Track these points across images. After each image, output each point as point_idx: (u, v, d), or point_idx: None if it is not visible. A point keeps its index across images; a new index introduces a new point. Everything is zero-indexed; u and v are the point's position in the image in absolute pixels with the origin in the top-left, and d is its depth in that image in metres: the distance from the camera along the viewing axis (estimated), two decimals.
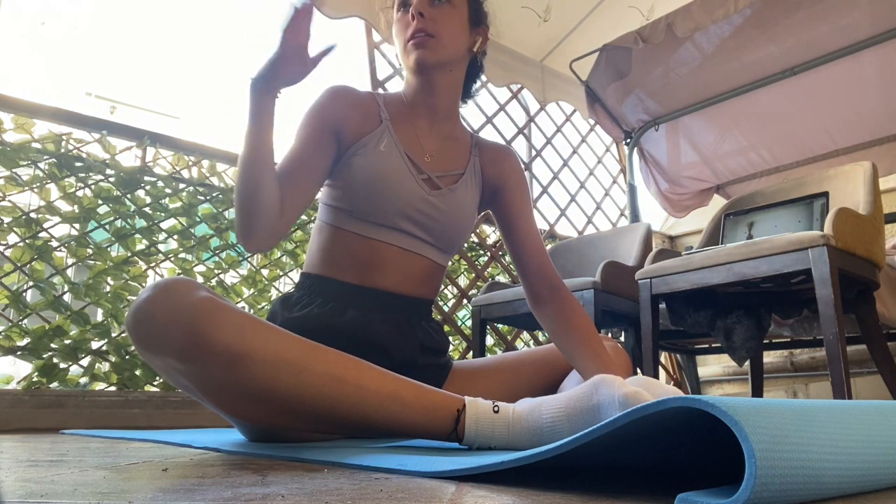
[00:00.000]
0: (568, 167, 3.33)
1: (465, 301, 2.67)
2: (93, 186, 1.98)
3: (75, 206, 1.93)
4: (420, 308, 1.18)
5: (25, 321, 1.81)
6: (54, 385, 1.78)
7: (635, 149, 3.27)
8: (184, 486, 0.53)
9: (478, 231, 2.89)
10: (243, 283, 2.24)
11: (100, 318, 1.91)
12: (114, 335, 1.89)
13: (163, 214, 2.10)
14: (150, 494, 0.49)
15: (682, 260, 1.65)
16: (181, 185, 2.16)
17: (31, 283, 1.84)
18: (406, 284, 1.15)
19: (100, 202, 1.98)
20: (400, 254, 1.14)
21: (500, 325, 2.70)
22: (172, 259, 2.10)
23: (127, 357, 1.89)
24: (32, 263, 1.84)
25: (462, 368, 1.23)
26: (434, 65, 1.14)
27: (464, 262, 2.85)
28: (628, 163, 3.32)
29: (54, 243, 1.88)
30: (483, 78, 1.33)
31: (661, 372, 3.28)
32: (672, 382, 3.32)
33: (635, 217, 3.27)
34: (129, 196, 2.03)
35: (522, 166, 1.33)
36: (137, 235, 2.03)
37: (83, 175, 1.97)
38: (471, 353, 2.36)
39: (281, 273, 2.34)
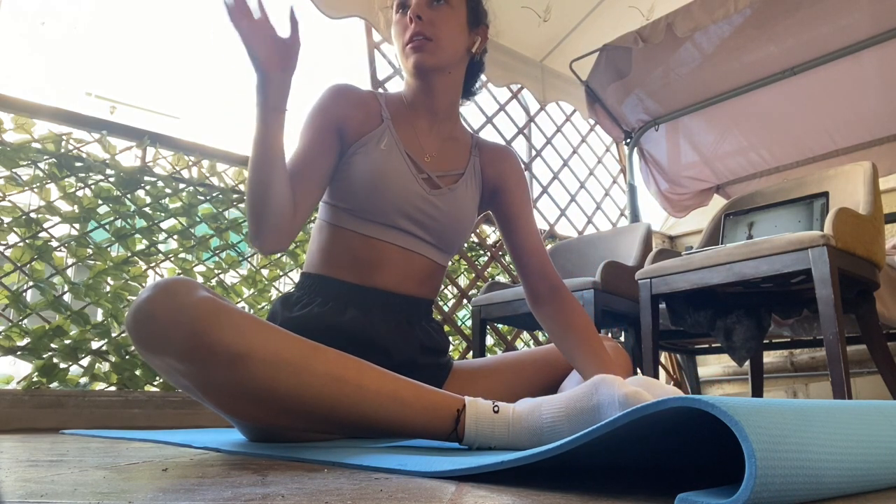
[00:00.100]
0: (568, 167, 3.33)
1: (465, 301, 2.67)
2: (93, 186, 1.98)
3: (75, 206, 1.93)
4: (420, 308, 1.18)
5: (25, 321, 1.81)
6: (54, 385, 1.78)
7: (635, 149, 3.27)
8: (184, 486, 0.53)
9: (478, 231, 2.89)
10: (243, 283, 2.24)
11: (100, 318, 1.91)
12: (114, 335, 1.89)
13: (163, 214, 2.10)
14: (150, 494, 0.49)
15: (682, 260, 1.65)
16: (181, 185, 2.16)
17: (31, 283, 1.84)
18: (406, 284, 1.15)
19: (100, 202, 1.98)
20: (400, 253, 1.14)
21: (500, 325, 2.70)
22: (172, 259, 2.10)
23: (127, 357, 1.89)
24: (32, 263, 1.84)
25: (462, 368, 1.23)
26: (432, 68, 1.14)
27: (464, 262, 2.85)
28: (628, 163, 3.32)
29: (54, 243, 1.88)
30: (483, 77, 1.33)
31: (661, 372, 3.28)
32: (672, 382, 3.32)
33: (635, 217, 3.27)
34: (129, 196, 2.03)
35: (522, 166, 1.33)
36: (137, 235, 2.03)
37: (83, 175, 1.97)
38: (471, 353, 2.36)
39: (281, 273, 2.34)
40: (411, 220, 1.14)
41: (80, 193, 1.95)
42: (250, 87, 0.99)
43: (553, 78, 3.25)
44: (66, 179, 1.93)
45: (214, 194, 2.22)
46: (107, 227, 1.99)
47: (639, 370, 1.82)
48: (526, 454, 0.56)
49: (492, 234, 2.98)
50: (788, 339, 2.42)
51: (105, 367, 1.88)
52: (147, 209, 2.06)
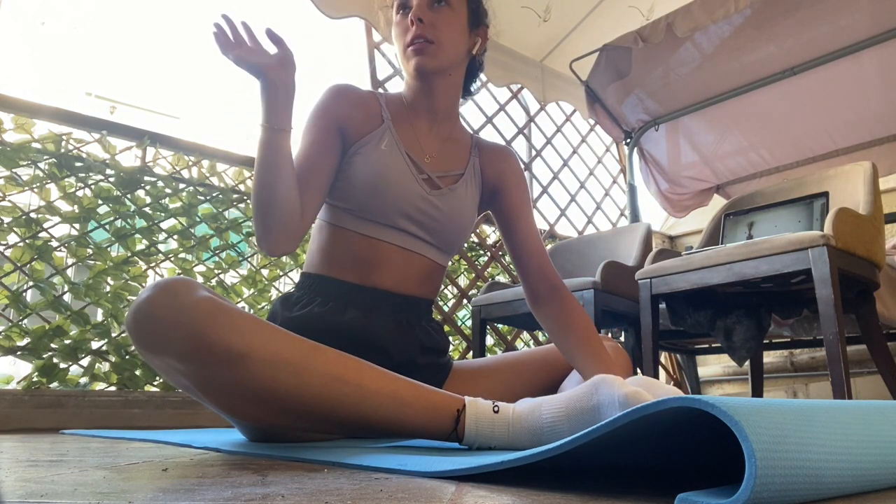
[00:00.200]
0: (568, 167, 3.33)
1: (465, 301, 2.67)
2: (93, 186, 1.98)
3: (75, 206, 1.93)
4: (420, 308, 1.18)
5: (25, 321, 1.81)
6: (54, 385, 1.78)
7: (635, 149, 3.27)
8: (184, 486, 0.53)
9: (478, 231, 2.89)
10: (243, 283, 2.24)
11: (100, 318, 1.91)
12: (114, 335, 1.89)
13: (163, 214, 2.10)
14: (150, 494, 0.49)
15: (682, 260, 1.65)
16: (181, 185, 2.16)
17: (31, 283, 1.84)
18: (406, 284, 1.15)
19: (100, 202, 1.98)
20: (400, 253, 1.14)
21: (500, 325, 2.70)
22: (172, 259, 2.10)
23: (127, 357, 1.89)
24: (32, 263, 1.84)
25: (462, 368, 1.23)
26: (433, 71, 1.14)
27: (464, 262, 2.85)
28: (628, 163, 3.32)
29: (54, 243, 1.88)
30: (483, 77, 1.33)
31: (661, 372, 3.28)
32: (672, 382, 3.32)
33: (635, 217, 3.27)
34: (129, 196, 2.03)
35: (522, 167, 1.33)
36: (137, 235, 2.03)
37: (83, 175, 1.97)
38: (471, 353, 2.36)
39: (281, 273, 2.34)
40: (411, 221, 1.14)
41: (80, 193, 1.95)
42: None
43: (553, 78, 3.25)
44: (66, 179, 1.93)
45: (214, 194, 2.22)
46: (107, 227, 1.99)
47: (639, 370, 1.82)
48: (526, 454, 0.56)
49: (492, 234, 2.98)
50: (788, 339, 2.42)
51: (105, 367, 1.88)
52: (147, 209, 2.06)
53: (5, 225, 1.81)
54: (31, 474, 0.62)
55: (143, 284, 1.99)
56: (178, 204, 2.14)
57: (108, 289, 1.93)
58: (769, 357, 3.06)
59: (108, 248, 1.97)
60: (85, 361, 1.86)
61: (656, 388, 0.79)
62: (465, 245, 2.82)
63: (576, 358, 1.11)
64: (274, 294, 2.32)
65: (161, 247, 2.09)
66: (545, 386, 1.18)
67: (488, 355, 1.95)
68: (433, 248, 1.18)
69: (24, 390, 1.71)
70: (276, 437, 0.96)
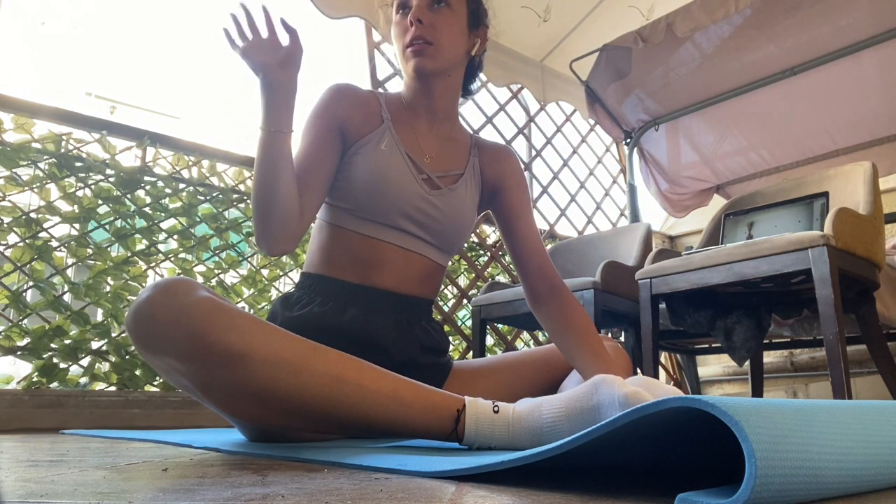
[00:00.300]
0: (568, 167, 3.33)
1: (465, 301, 2.67)
2: (93, 186, 1.98)
3: (75, 206, 1.93)
4: (420, 308, 1.18)
5: (25, 321, 1.81)
6: (54, 385, 1.78)
7: (635, 149, 3.27)
8: (184, 486, 0.53)
9: (478, 231, 2.89)
10: (243, 283, 2.24)
11: (100, 318, 1.91)
12: (114, 335, 1.89)
13: (163, 214, 2.10)
14: (150, 494, 0.49)
15: (682, 260, 1.65)
16: (181, 185, 2.16)
17: (31, 283, 1.84)
18: (406, 284, 1.15)
19: (100, 202, 1.98)
20: (400, 253, 1.14)
21: (500, 325, 2.70)
22: (172, 259, 2.10)
23: (127, 357, 1.89)
24: (32, 263, 1.84)
25: (462, 368, 1.23)
26: (433, 72, 1.14)
27: (464, 262, 2.85)
28: (628, 163, 3.32)
29: (54, 243, 1.88)
30: (483, 77, 1.33)
31: (661, 372, 3.28)
32: (672, 382, 3.32)
33: (635, 217, 3.27)
34: (129, 196, 2.03)
35: (522, 166, 1.33)
36: (137, 235, 2.03)
37: (83, 175, 1.97)
38: (471, 353, 2.36)
39: (281, 273, 2.34)
40: (411, 221, 1.14)
41: (80, 193, 1.95)
42: (251, 87, 1.00)
43: (553, 78, 3.25)
44: (66, 179, 1.93)
45: (214, 194, 2.22)
46: (107, 227, 1.99)
47: (639, 370, 1.82)
48: (526, 454, 0.56)
49: (492, 234, 2.98)
50: (788, 339, 2.42)
51: (105, 367, 1.88)
52: (147, 209, 2.06)
53: (5, 225, 1.81)
54: (31, 474, 0.62)
55: (143, 284, 1.99)
56: (178, 204, 2.14)
57: (108, 289, 1.93)
58: (769, 357, 3.06)
59: (108, 248, 1.97)
60: (85, 361, 1.86)
61: (656, 388, 0.79)
62: (465, 245, 2.82)
63: (576, 358, 1.11)
64: (274, 294, 2.32)
65: (161, 247, 2.09)
66: (545, 386, 1.18)
67: (488, 355, 1.95)
68: (433, 248, 1.18)
69: (24, 390, 1.71)
70: (276, 437, 0.96)
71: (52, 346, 1.79)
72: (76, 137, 1.98)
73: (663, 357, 3.27)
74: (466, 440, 0.81)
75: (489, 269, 2.89)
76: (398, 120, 1.19)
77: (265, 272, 2.30)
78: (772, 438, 0.40)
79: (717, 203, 3.21)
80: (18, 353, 1.75)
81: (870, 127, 2.78)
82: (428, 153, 1.20)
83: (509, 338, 2.79)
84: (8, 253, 1.81)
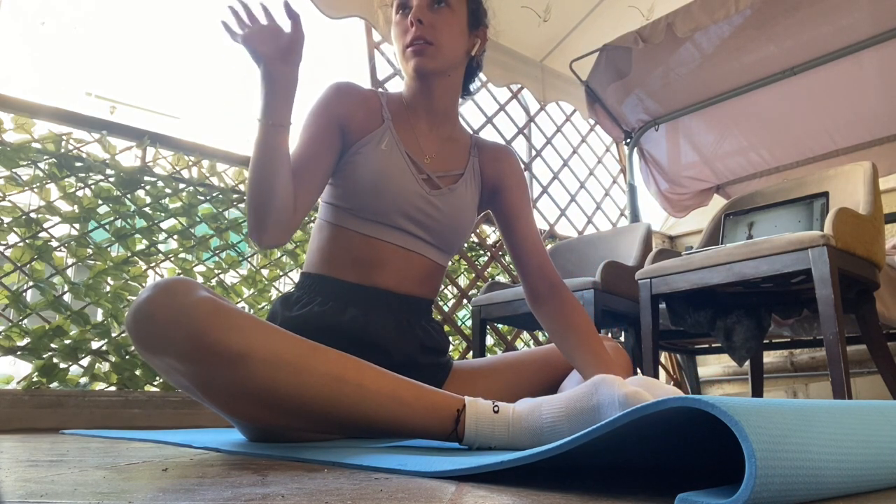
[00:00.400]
0: (568, 167, 3.33)
1: (465, 301, 2.67)
2: (93, 186, 1.98)
3: (75, 206, 1.93)
4: (420, 307, 1.18)
5: (25, 321, 1.81)
6: (54, 385, 1.78)
7: (635, 149, 3.27)
8: (184, 486, 0.53)
9: (478, 231, 2.89)
10: (243, 283, 2.24)
11: (100, 318, 1.91)
12: (114, 335, 1.89)
13: (163, 214, 2.10)
14: (150, 494, 0.49)
15: (682, 260, 1.65)
16: (181, 185, 2.16)
17: (31, 283, 1.84)
18: (406, 284, 1.15)
19: (100, 202, 1.98)
20: (400, 253, 1.14)
21: (500, 325, 2.70)
22: (172, 259, 2.10)
23: (127, 357, 1.89)
24: (32, 263, 1.83)
25: (462, 368, 1.23)
26: (433, 72, 1.14)
27: (464, 262, 2.85)
28: (628, 163, 3.32)
29: (54, 243, 1.88)
30: (483, 77, 1.33)
31: (661, 372, 3.28)
32: (672, 382, 3.32)
33: (635, 217, 3.27)
34: (129, 196, 2.03)
35: (522, 166, 1.33)
36: (137, 235, 2.03)
37: (83, 175, 1.97)
38: (471, 353, 2.36)
39: (281, 273, 2.34)
40: (411, 221, 1.14)
41: (80, 193, 1.95)
42: (251, 87, 1.00)
43: (553, 78, 3.25)
44: (66, 179, 1.93)
45: (214, 194, 2.22)
46: (107, 227, 1.99)
47: (639, 370, 1.82)
48: (526, 454, 0.56)
49: (492, 234, 2.98)
50: (788, 339, 2.42)
51: (105, 367, 1.88)
52: (147, 209, 2.06)
53: (5, 225, 1.81)
54: (31, 474, 0.62)
55: (143, 284, 1.99)
56: (178, 204, 2.14)
57: (108, 289, 1.93)
58: (769, 357, 3.06)
59: (108, 248, 1.97)
60: (85, 361, 1.85)
61: (656, 388, 0.79)
62: (465, 245, 2.82)
63: (576, 357, 1.10)
64: (274, 294, 2.32)
65: (161, 247, 2.09)
66: (545, 386, 1.18)
67: (488, 355, 1.95)
68: (433, 248, 1.18)
69: (24, 390, 1.71)
70: (276, 437, 0.96)
71: (52, 346, 1.79)
72: (76, 137, 1.98)
73: (663, 357, 3.27)
74: (466, 440, 0.81)
75: (489, 269, 2.89)
76: (398, 120, 1.19)
77: (265, 272, 2.30)
78: (772, 438, 0.40)
79: (717, 203, 3.21)
80: (18, 353, 1.75)
81: (870, 127, 2.78)
82: (428, 153, 1.20)
83: (509, 338, 2.79)
84: (8, 253, 1.81)
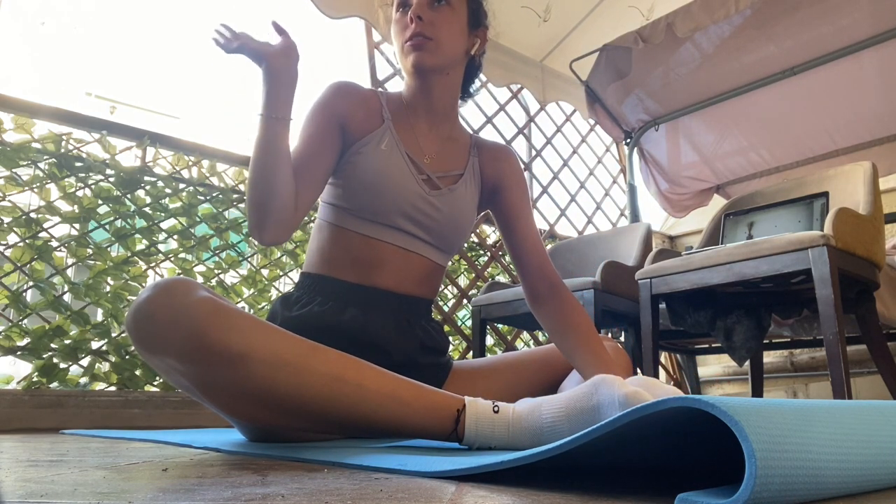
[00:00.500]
0: (568, 167, 3.33)
1: (465, 301, 2.67)
2: (93, 186, 1.98)
3: (75, 206, 1.93)
4: (420, 307, 1.18)
5: (25, 321, 1.81)
6: (54, 385, 1.78)
7: (635, 149, 3.27)
8: (184, 486, 0.53)
9: (478, 231, 2.89)
10: (243, 283, 2.24)
11: (100, 318, 1.91)
12: (114, 335, 1.89)
13: (163, 214, 2.10)
14: (150, 494, 0.49)
15: (682, 260, 1.65)
16: (181, 185, 2.16)
17: (31, 283, 1.84)
18: (406, 284, 1.15)
19: (100, 202, 1.98)
20: (399, 253, 1.14)
21: (500, 325, 2.70)
22: (172, 259, 2.10)
23: (127, 357, 1.89)
24: (32, 263, 1.83)
25: (462, 368, 1.23)
26: (431, 68, 1.14)
27: (464, 262, 2.85)
28: (628, 163, 3.32)
29: (54, 243, 1.88)
30: (483, 78, 1.33)
31: (661, 372, 3.28)
32: (672, 382, 3.32)
33: (635, 217, 3.27)
34: (129, 196, 2.03)
35: (521, 166, 1.33)
36: (137, 235, 2.03)
37: (83, 175, 1.97)
38: (471, 353, 2.36)
39: (281, 273, 2.34)
40: (411, 221, 1.14)
41: (80, 193, 1.95)
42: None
43: (553, 78, 3.25)
44: (66, 179, 1.93)
45: (214, 194, 2.22)
46: (107, 227, 1.99)
47: (639, 370, 1.82)
48: (526, 454, 0.56)
49: (492, 234, 2.98)
50: (788, 339, 2.42)
51: (105, 367, 1.88)
52: (147, 209, 2.06)
53: (5, 225, 1.81)
54: (31, 474, 0.62)
55: (143, 284, 1.99)
56: (178, 204, 2.14)
57: (108, 289, 1.93)
58: (769, 357, 3.06)
59: (108, 248, 1.97)
60: (85, 361, 1.85)
61: (656, 388, 0.79)
62: (465, 245, 2.82)
63: (575, 357, 1.10)
64: (274, 294, 2.32)
65: (161, 247, 2.09)
66: (545, 386, 1.18)
67: (488, 355, 1.95)
68: (433, 249, 1.18)
69: (24, 390, 1.71)
70: (276, 437, 0.96)
71: (52, 346, 1.79)
72: (76, 137, 1.98)
73: (663, 357, 3.27)
74: (466, 440, 0.81)
75: (489, 269, 2.89)
76: (398, 120, 1.19)
77: (265, 272, 2.30)
78: (772, 438, 0.40)
79: (717, 203, 3.21)
80: (18, 353, 1.75)
81: (870, 127, 2.78)
82: (428, 153, 1.20)
83: (509, 338, 2.79)
84: (8, 253, 1.81)
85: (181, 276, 1.54)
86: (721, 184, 3.34)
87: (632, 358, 1.31)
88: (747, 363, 2.13)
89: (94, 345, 1.87)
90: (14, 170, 1.85)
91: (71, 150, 1.95)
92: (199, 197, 2.19)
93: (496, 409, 0.81)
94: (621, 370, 1.11)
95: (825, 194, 1.70)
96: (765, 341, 2.22)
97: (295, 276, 2.37)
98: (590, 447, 0.52)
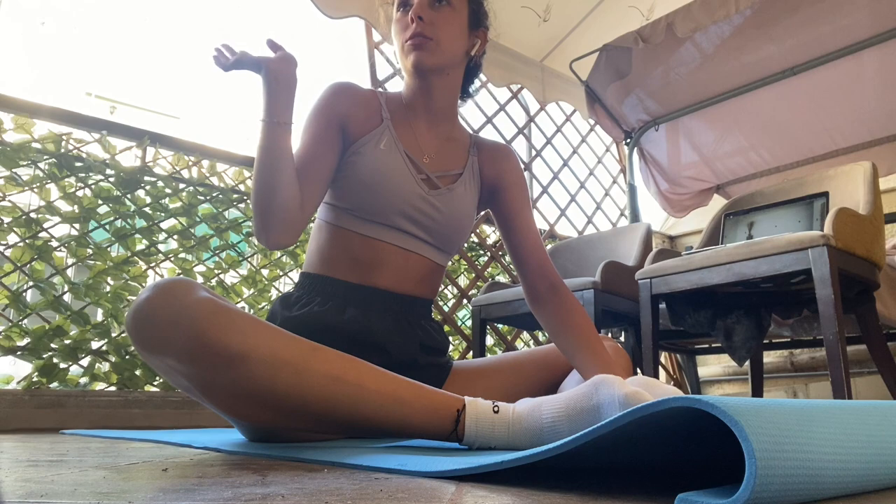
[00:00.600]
0: (568, 167, 3.33)
1: (465, 301, 2.67)
2: (93, 186, 1.98)
3: (75, 206, 1.93)
4: (420, 307, 1.18)
5: (25, 321, 1.81)
6: (54, 385, 1.78)
7: (635, 149, 3.27)
8: (184, 486, 0.53)
9: (478, 231, 2.89)
10: (243, 283, 2.24)
11: (100, 318, 1.91)
12: (114, 335, 1.89)
13: (163, 214, 2.10)
14: (150, 494, 0.49)
15: (682, 260, 1.65)
16: (181, 185, 2.16)
17: (31, 283, 1.84)
18: (405, 284, 1.15)
19: (100, 202, 1.98)
20: (399, 253, 1.14)
21: (500, 325, 2.70)
22: (172, 259, 2.10)
23: (127, 357, 1.89)
24: (32, 263, 1.83)
25: (462, 368, 1.23)
26: (431, 68, 1.14)
27: (464, 262, 2.85)
28: (628, 163, 3.32)
29: (54, 243, 1.88)
30: (483, 78, 1.34)
31: (661, 372, 3.28)
32: (672, 382, 3.32)
33: (635, 217, 3.27)
34: (129, 196, 2.03)
35: (521, 165, 1.33)
36: (137, 235, 2.03)
37: (83, 175, 1.97)
38: (471, 353, 2.36)
39: (281, 273, 2.34)
40: (410, 221, 1.14)
41: (80, 193, 1.95)
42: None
43: (553, 78, 3.25)
44: (66, 179, 1.93)
45: (214, 194, 2.22)
46: (107, 227, 1.99)
47: (639, 370, 1.82)
48: (526, 454, 0.56)
49: (492, 234, 2.98)
50: (788, 339, 2.42)
51: (105, 367, 1.88)
52: (147, 209, 2.06)
53: (5, 225, 1.81)
54: (31, 474, 0.62)
55: (143, 284, 1.99)
56: (178, 204, 2.14)
57: (108, 289, 1.93)
58: (769, 357, 3.06)
59: (108, 248, 1.97)
60: (85, 361, 1.85)
61: (656, 388, 0.79)
62: (465, 245, 2.82)
63: (575, 357, 1.10)
64: (274, 294, 2.32)
65: (161, 247, 2.09)
66: (545, 386, 1.18)
67: (488, 355, 1.95)
68: (432, 248, 1.18)
69: (24, 390, 1.71)
70: (276, 437, 0.96)
71: (52, 346, 1.79)
72: (76, 137, 1.98)
73: (663, 357, 3.27)
74: (466, 440, 0.81)
75: (489, 269, 2.89)
76: (398, 119, 1.19)
77: (265, 272, 2.30)
78: (772, 438, 0.40)
79: (717, 203, 3.21)
80: (18, 353, 1.75)
81: (870, 127, 2.78)
82: (427, 153, 1.20)
83: (509, 338, 2.79)
84: (8, 253, 1.81)
85: (181, 276, 1.54)
86: (721, 184, 3.34)
87: (632, 358, 1.31)
88: (747, 363, 2.13)
89: (94, 345, 1.87)
90: (14, 170, 1.85)
91: (71, 150, 1.95)
92: (199, 197, 2.19)
93: (496, 409, 0.81)
94: (621, 370, 1.11)
95: (825, 194, 1.70)
96: (765, 341, 2.22)
97: (295, 276, 2.37)
98: (590, 447, 0.52)
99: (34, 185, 1.88)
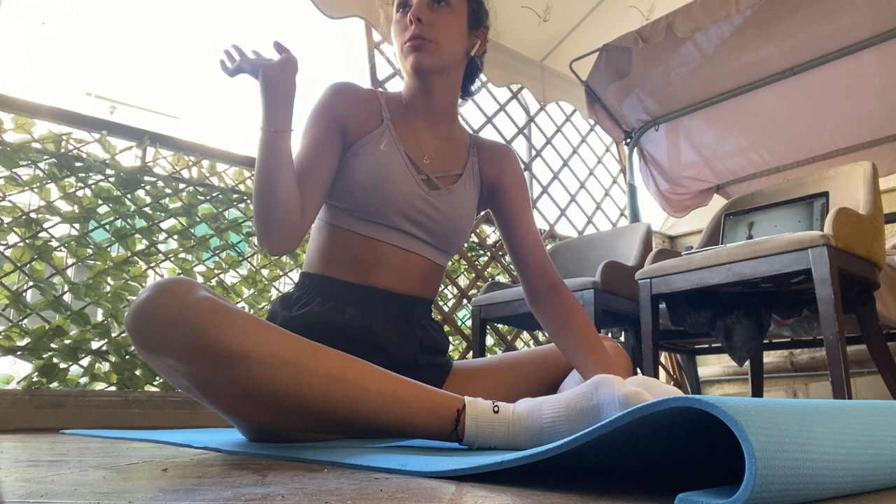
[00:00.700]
0: (568, 167, 3.33)
1: (465, 301, 2.67)
2: (93, 186, 1.98)
3: (75, 206, 1.93)
4: (420, 307, 1.18)
5: (25, 321, 1.81)
6: (54, 385, 1.78)
7: (635, 149, 3.27)
8: (184, 486, 0.53)
9: (478, 231, 2.89)
10: (243, 283, 2.24)
11: (100, 318, 1.91)
12: (114, 335, 1.89)
13: (163, 214, 2.10)
14: (150, 494, 0.49)
15: (682, 260, 1.65)
16: (181, 185, 2.16)
17: (31, 283, 1.84)
18: (405, 284, 1.15)
19: (100, 202, 1.98)
20: (399, 253, 1.14)
21: (500, 325, 2.70)
22: (172, 259, 2.10)
23: (127, 357, 1.89)
24: (32, 263, 1.83)
25: (462, 368, 1.23)
26: (431, 69, 1.14)
27: (464, 262, 2.85)
28: (628, 163, 3.32)
29: (54, 243, 1.88)
30: (483, 78, 1.33)
31: (661, 372, 3.28)
32: (672, 382, 3.32)
33: (635, 217, 3.27)
34: (129, 196, 2.03)
35: (521, 165, 1.33)
36: (137, 235, 2.03)
37: (83, 175, 1.97)
38: (471, 353, 2.36)
39: (281, 273, 2.34)
40: (410, 221, 1.14)
41: (80, 193, 1.95)
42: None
43: (553, 78, 3.25)
44: (66, 179, 1.93)
45: (214, 194, 2.22)
46: (107, 227, 1.99)
47: (639, 370, 1.82)
48: (526, 454, 0.56)
49: (492, 234, 2.98)
50: (788, 339, 2.42)
51: (105, 367, 1.88)
52: (147, 209, 2.06)
53: (5, 225, 1.81)
54: (31, 474, 0.62)
55: (143, 284, 1.99)
56: (178, 204, 2.14)
57: (108, 289, 1.93)
58: (769, 357, 3.06)
59: (108, 248, 1.97)
60: (85, 361, 1.85)
61: (656, 388, 0.79)
62: (465, 245, 2.82)
63: (575, 357, 1.10)
64: (274, 294, 2.32)
65: (161, 247, 2.09)
66: (545, 386, 1.18)
67: (488, 355, 1.95)
68: (432, 249, 1.18)
69: (24, 390, 1.71)
70: (276, 437, 0.96)
71: (52, 346, 1.79)
72: (76, 137, 1.98)
73: (663, 357, 3.27)
74: (466, 440, 0.81)
75: (489, 269, 2.89)
76: (398, 119, 1.19)
77: (265, 272, 2.30)
78: (772, 438, 0.40)
79: (717, 203, 3.21)
80: (18, 353, 1.75)
81: (870, 127, 2.78)
82: (427, 153, 1.20)
83: (509, 338, 2.79)
84: (8, 253, 1.81)
85: (181, 276, 1.54)
86: (721, 184, 3.34)
87: (632, 358, 1.31)
88: (747, 363, 2.13)
89: (94, 345, 1.87)
90: (14, 170, 1.85)
91: (71, 150, 1.95)
92: (199, 197, 2.19)
93: (496, 409, 0.81)
94: (621, 370, 1.11)
95: (825, 194, 1.70)
96: (765, 341, 2.22)
97: (295, 276, 2.37)
98: (590, 447, 0.52)
99: (34, 185, 1.88)
